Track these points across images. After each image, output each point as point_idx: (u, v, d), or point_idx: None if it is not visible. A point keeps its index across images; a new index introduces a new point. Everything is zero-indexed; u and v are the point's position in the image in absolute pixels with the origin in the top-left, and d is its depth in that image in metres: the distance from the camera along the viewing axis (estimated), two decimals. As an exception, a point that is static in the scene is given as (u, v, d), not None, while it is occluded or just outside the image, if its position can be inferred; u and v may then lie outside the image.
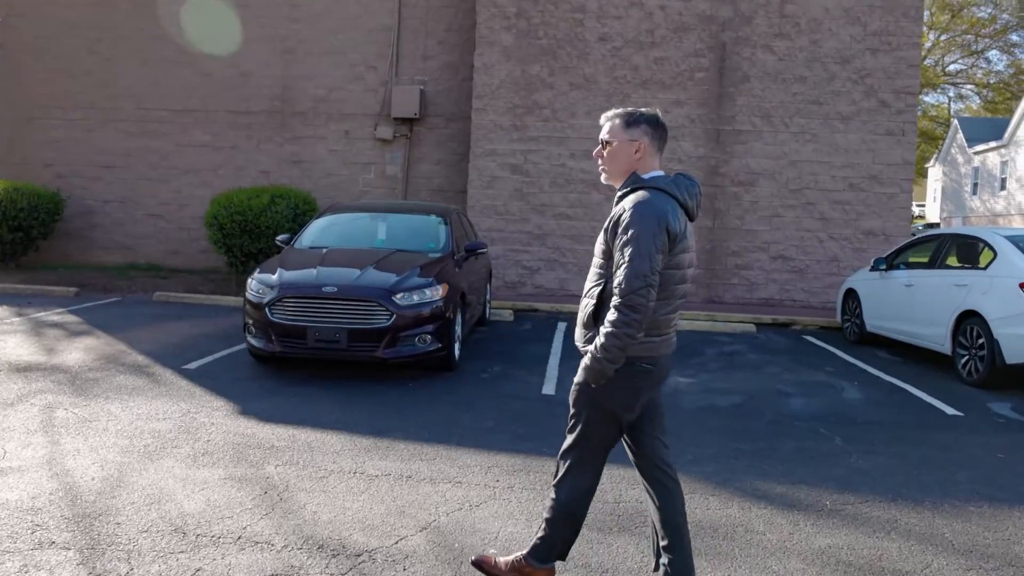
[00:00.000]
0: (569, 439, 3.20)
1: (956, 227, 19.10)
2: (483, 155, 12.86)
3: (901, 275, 9.27)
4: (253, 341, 7.24)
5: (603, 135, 3.16)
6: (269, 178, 14.41)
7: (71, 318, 9.94)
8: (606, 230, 3.03)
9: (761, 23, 12.39)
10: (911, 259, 9.53)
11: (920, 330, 8.69)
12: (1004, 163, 35.07)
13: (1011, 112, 37.28)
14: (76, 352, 7.95)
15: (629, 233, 2.88)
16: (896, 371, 8.47)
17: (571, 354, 8.65)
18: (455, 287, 7.59)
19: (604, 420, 3.10)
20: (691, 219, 3.12)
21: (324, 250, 8.02)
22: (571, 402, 3.18)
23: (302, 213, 12.47)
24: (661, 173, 3.10)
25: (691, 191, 3.11)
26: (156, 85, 14.67)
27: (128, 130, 14.81)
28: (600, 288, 3.03)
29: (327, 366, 7.58)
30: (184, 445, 5.20)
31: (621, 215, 2.95)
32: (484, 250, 8.57)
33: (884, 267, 9.53)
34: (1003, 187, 35.15)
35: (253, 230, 11.91)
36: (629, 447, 3.32)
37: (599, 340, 2.90)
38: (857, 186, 12.39)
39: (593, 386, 3.02)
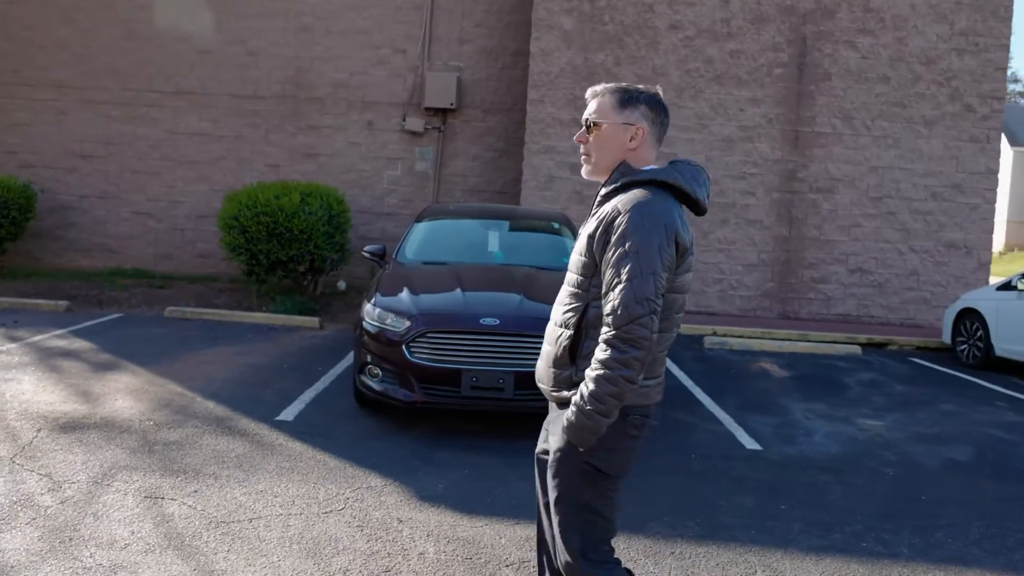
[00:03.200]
0: (565, 537, 2.42)
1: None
2: (539, 152, 11.47)
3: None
4: (378, 387, 5.72)
5: (589, 114, 2.46)
6: (279, 172, 12.65)
7: (80, 343, 8.14)
8: (591, 237, 2.34)
9: (844, 17, 11.38)
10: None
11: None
12: None
13: None
14: (121, 397, 6.26)
15: (627, 244, 2.23)
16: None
17: (712, 387, 7.41)
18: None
19: (601, 493, 2.41)
20: (700, 213, 2.46)
21: (447, 267, 6.54)
22: (550, 476, 2.43)
23: (337, 215, 10.83)
24: (656, 166, 2.43)
25: (699, 178, 2.44)
26: (144, 62, 12.71)
27: (110, 114, 12.79)
28: (579, 315, 2.36)
29: (448, 418, 6.11)
30: (402, 568, 3.70)
31: (615, 219, 2.28)
32: None
33: (1025, 287, 8.70)
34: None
35: (284, 234, 10.20)
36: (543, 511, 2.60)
37: (587, 387, 2.23)
38: (939, 195, 11.53)
39: (581, 450, 2.31)
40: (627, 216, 2.26)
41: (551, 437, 2.48)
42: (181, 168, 12.82)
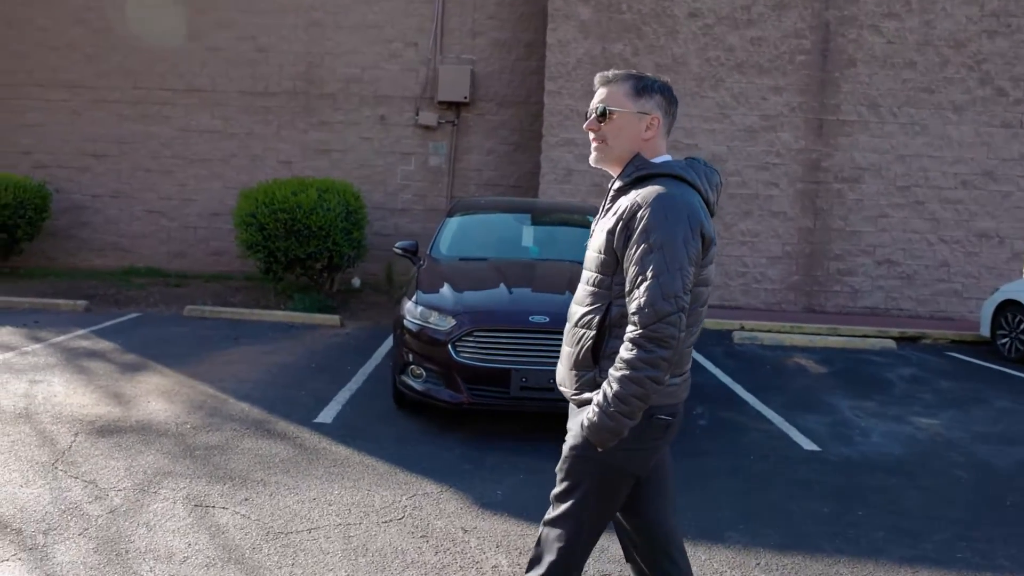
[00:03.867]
0: (558, 527, 2.33)
1: None
2: (558, 145, 11.27)
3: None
4: (421, 388, 5.54)
5: (600, 102, 2.35)
6: (291, 169, 12.46)
7: (104, 343, 7.96)
8: (610, 232, 2.25)
9: (869, 1, 11.17)
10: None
11: None
12: None
13: None
14: (154, 399, 6.08)
15: (651, 239, 2.13)
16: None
17: (752, 384, 7.24)
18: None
19: (610, 495, 2.31)
20: (711, 215, 2.35)
21: (486, 263, 6.36)
22: (563, 471, 2.33)
23: (354, 211, 10.64)
24: (670, 157, 2.35)
25: (711, 179, 2.36)
26: (156, 61, 12.50)
27: (122, 113, 12.58)
28: (601, 315, 2.26)
29: (490, 419, 5.92)
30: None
31: (636, 213, 2.19)
32: None
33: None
34: None
35: (302, 231, 10.01)
36: (624, 528, 2.49)
37: (611, 388, 2.13)
38: (970, 183, 11.34)
39: (600, 450, 2.21)
40: (649, 209, 2.17)
41: (568, 435, 2.38)
42: (193, 166, 12.61)
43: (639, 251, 2.15)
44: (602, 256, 2.28)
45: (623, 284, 2.22)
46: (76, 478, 4.46)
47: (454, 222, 7.07)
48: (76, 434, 5.20)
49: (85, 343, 7.92)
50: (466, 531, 4.02)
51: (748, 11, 11.17)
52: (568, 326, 2.40)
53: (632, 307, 2.15)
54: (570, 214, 7.52)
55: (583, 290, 2.36)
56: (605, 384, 2.16)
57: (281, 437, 5.36)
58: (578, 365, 2.32)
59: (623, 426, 2.14)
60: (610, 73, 2.39)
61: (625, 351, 2.13)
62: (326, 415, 5.89)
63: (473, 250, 6.69)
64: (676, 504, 2.58)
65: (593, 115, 2.37)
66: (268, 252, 10.16)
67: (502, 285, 5.75)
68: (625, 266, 2.20)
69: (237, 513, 4.11)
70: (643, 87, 2.34)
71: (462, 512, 4.25)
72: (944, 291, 11.37)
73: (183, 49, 12.46)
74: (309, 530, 3.95)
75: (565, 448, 2.35)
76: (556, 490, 2.36)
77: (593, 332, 2.27)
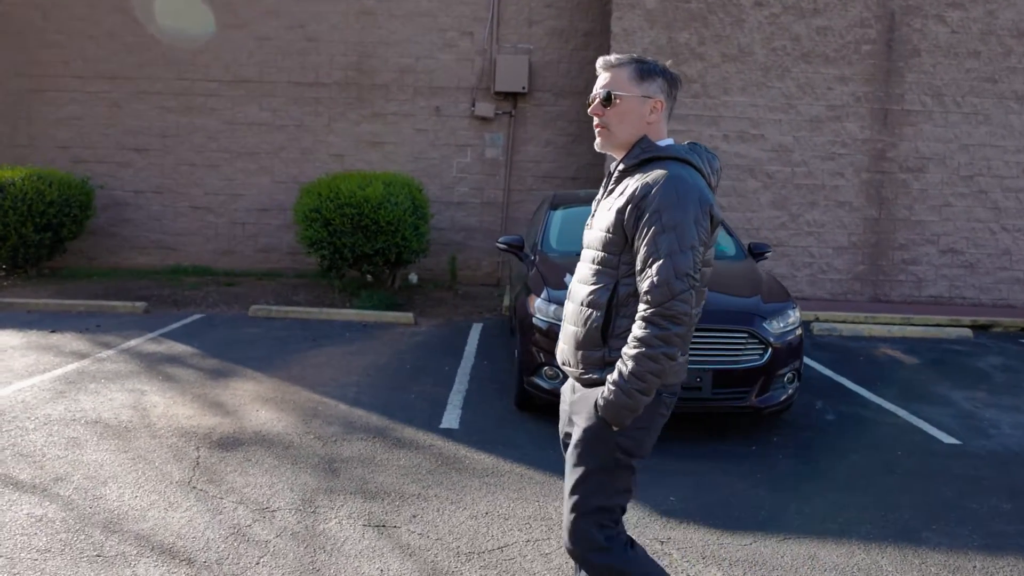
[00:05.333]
0: (583, 508, 2.33)
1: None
2: (622, 137, 11.05)
3: None
4: (556, 388, 5.37)
5: (603, 86, 2.41)
6: (343, 162, 12.21)
7: (179, 347, 7.74)
8: (620, 211, 2.27)
9: (934, -11, 10.99)
10: None
11: None
12: None
13: None
14: (259, 407, 5.88)
15: (663, 219, 2.18)
16: None
17: (855, 376, 7.07)
18: (788, 307, 5.93)
19: (626, 476, 2.35)
20: None
21: None
22: (575, 455, 2.34)
23: (420, 205, 10.42)
24: (672, 141, 2.40)
25: (712, 164, 2.42)
26: (201, 51, 12.21)
27: (165, 105, 12.30)
28: (610, 293, 2.29)
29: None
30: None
31: (647, 194, 2.23)
32: (769, 252, 6.87)
33: None
34: None
35: (369, 226, 9.79)
36: None
37: (626, 366, 2.16)
38: (1034, 172, 11.21)
39: (615, 428, 2.25)
40: (661, 190, 2.22)
41: (575, 417, 2.39)
42: (241, 160, 12.35)
43: (651, 231, 2.19)
44: (610, 235, 2.30)
45: (631, 263, 2.26)
46: (221, 498, 4.25)
47: (558, 215, 6.87)
48: (197, 448, 4.99)
49: (158, 347, 7.69)
50: (663, 543, 3.85)
51: (814, 0, 10.97)
52: (571, 306, 2.42)
53: (644, 285, 2.18)
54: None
55: (588, 268, 2.37)
56: (620, 363, 2.18)
57: (414, 446, 5.18)
58: (585, 344, 2.34)
59: (640, 403, 2.18)
60: (612, 58, 2.43)
61: (639, 329, 2.16)
62: (449, 420, 5.71)
63: (576, 245, 6.48)
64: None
65: (597, 100, 2.41)
66: (334, 248, 9.93)
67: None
68: (636, 246, 2.23)
69: (414, 532, 3.92)
70: (646, 71, 2.38)
71: (648, 521, 4.08)
72: (1007, 279, 11.26)
73: (229, 38, 12.17)
74: (500, 548, 3.77)
75: (576, 432, 2.35)
76: (574, 476, 2.35)
77: (601, 312, 2.29)
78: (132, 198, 12.40)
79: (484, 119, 12.14)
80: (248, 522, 3.97)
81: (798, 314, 5.58)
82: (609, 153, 2.46)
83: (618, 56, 2.44)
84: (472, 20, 12.13)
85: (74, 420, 5.42)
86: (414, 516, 4.10)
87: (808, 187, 11.16)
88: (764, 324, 5.25)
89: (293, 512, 4.10)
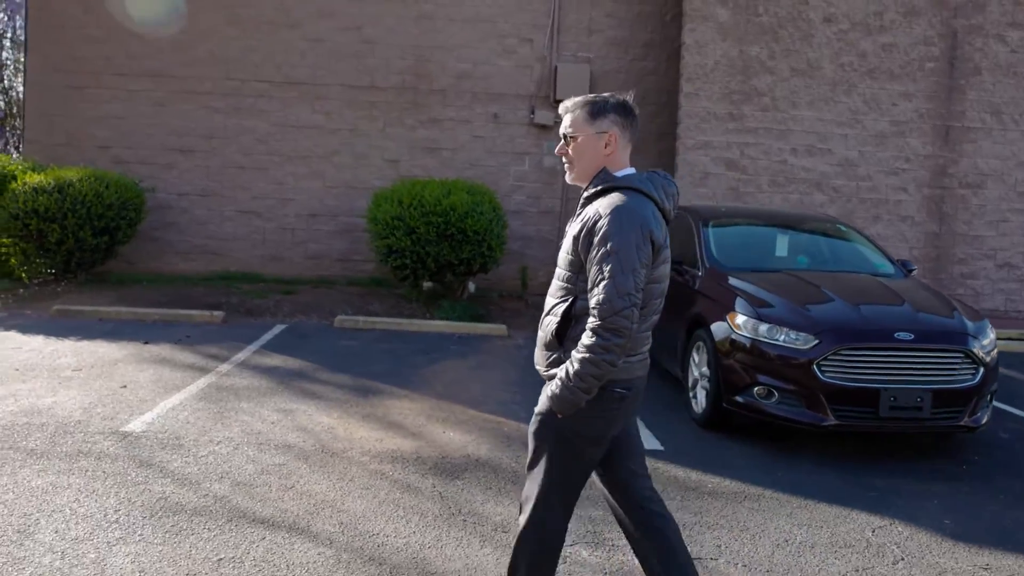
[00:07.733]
0: (533, 481, 2.74)
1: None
2: (695, 148, 11.05)
3: None
4: (775, 410, 5.27)
5: (565, 129, 2.72)
6: (398, 168, 11.91)
7: (295, 361, 7.40)
8: (576, 238, 2.60)
9: (994, 10, 11.28)
10: None
11: None
12: None
13: None
14: (440, 427, 5.64)
15: (608, 245, 2.48)
16: None
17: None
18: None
19: (573, 455, 2.69)
20: (667, 222, 2.70)
21: (786, 275, 6.09)
22: (531, 434, 2.75)
23: (500, 214, 10.21)
24: (633, 170, 2.69)
25: (668, 190, 2.71)
26: (250, 50, 11.77)
27: (212, 105, 11.82)
28: (567, 305, 2.62)
29: (811, 438, 5.68)
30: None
31: (597, 222, 2.53)
32: (915, 270, 6.93)
33: None
34: None
35: (455, 235, 9.55)
36: (604, 488, 2.91)
37: (572, 366, 2.50)
38: (1085, 190, 11.58)
39: (560, 416, 2.60)
40: (607, 219, 2.49)
41: (540, 399, 2.70)
42: (291, 163, 11.94)
43: (599, 254, 2.48)
44: (570, 257, 2.62)
45: (585, 282, 2.55)
46: (505, 530, 4.01)
47: (715, 232, 6.76)
48: (422, 475, 4.72)
49: (272, 361, 7.33)
50: (986, 569, 3.77)
51: (881, 17, 11.14)
52: (544, 316, 2.72)
53: (592, 302, 2.49)
54: (818, 223, 7.33)
55: (555, 284, 2.70)
56: (568, 363, 2.50)
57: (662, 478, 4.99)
58: (548, 347, 2.68)
59: (580, 399, 2.50)
60: (569, 103, 2.71)
61: (586, 338, 2.47)
62: (648, 441, 5.53)
63: (752, 261, 6.41)
64: (644, 463, 2.91)
65: (561, 141, 2.71)
66: (416, 257, 9.65)
67: (838, 300, 5.50)
68: (588, 267, 2.53)
69: (732, 564, 3.75)
70: (596, 110, 2.65)
71: (940, 548, 4.00)
72: (1060, 295, 11.61)
73: (280, 38, 11.77)
74: (834, 580, 3.63)
75: (534, 413, 2.71)
76: (528, 453, 2.74)
77: (558, 319, 2.61)
78: (175, 201, 11.88)
79: (543, 127, 11.98)
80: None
81: (994, 334, 5.59)
82: (578, 184, 2.72)
83: (574, 100, 2.71)
84: (532, 27, 11.98)
85: (261, 444, 5.09)
86: (718, 546, 3.93)
87: (872, 201, 11.31)
88: (975, 343, 5.25)
89: (587, 546, 3.90)
